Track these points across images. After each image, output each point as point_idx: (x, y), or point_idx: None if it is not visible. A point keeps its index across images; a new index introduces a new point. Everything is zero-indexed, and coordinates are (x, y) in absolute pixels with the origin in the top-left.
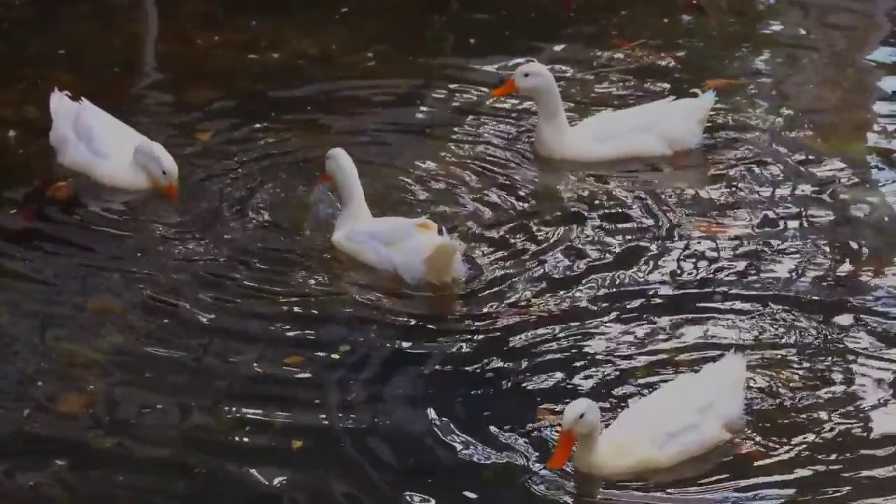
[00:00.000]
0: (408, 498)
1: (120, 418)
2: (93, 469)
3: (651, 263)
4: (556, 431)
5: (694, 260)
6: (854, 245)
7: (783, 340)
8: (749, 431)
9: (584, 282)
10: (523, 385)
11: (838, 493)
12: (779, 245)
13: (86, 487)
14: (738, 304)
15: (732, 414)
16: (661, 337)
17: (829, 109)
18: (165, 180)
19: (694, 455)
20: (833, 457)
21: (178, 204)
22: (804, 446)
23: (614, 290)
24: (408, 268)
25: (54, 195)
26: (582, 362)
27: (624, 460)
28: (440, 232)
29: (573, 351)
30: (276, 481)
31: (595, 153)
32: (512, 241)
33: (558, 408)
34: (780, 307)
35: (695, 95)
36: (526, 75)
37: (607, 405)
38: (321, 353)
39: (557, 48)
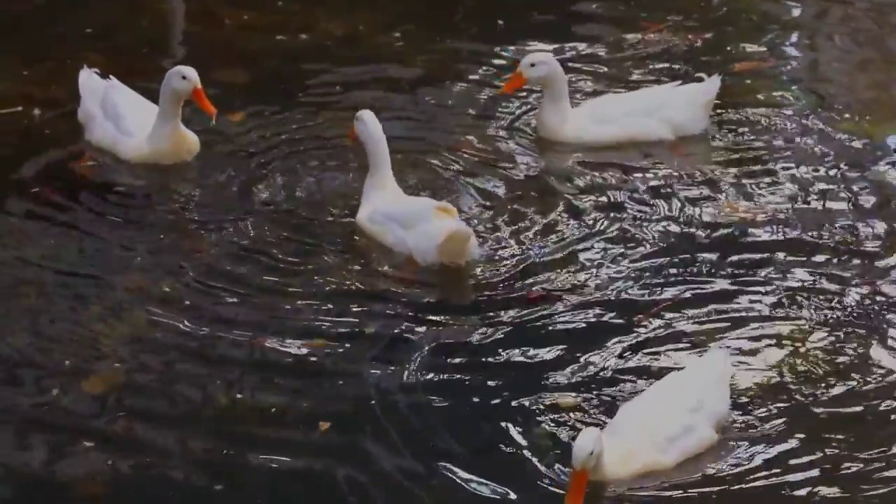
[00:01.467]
0: (430, 481)
1: (146, 399)
2: (118, 450)
3: (674, 244)
4: (567, 474)
5: (721, 240)
6: (883, 227)
7: (810, 322)
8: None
9: (607, 264)
10: (546, 369)
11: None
12: (808, 227)
13: (111, 468)
14: (770, 285)
15: (721, 412)
16: (685, 317)
17: (859, 91)
18: (189, 85)
19: (692, 454)
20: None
21: (203, 176)
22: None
23: (639, 271)
24: (420, 251)
25: (79, 172)
26: (600, 346)
27: (630, 467)
28: (457, 217)
29: (592, 333)
30: (301, 464)
31: (595, 136)
32: (531, 226)
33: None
34: (810, 288)
35: (700, 80)
36: (532, 65)
37: (627, 388)
38: (343, 338)
39: (585, 30)
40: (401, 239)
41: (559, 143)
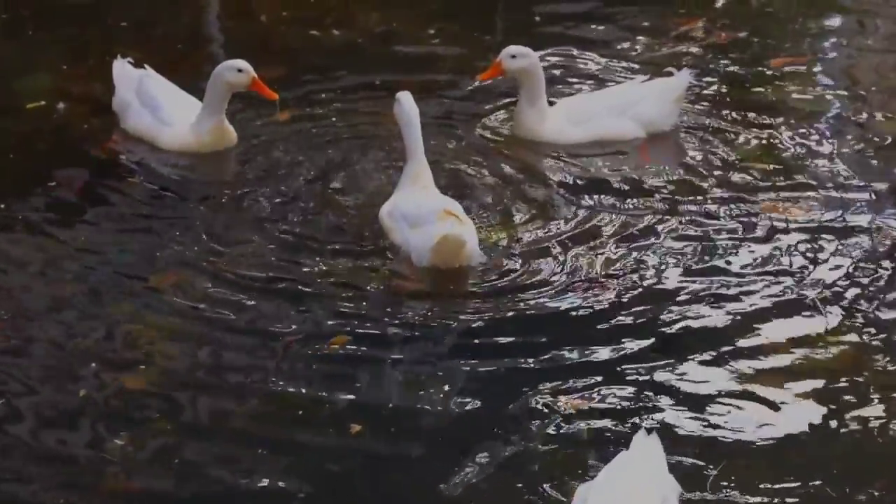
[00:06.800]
0: (464, 481)
1: (182, 395)
2: (155, 446)
3: (696, 242)
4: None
5: (752, 238)
6: None
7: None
8: None
9: (636, 262)
10: (568, 367)
11: None
12: (837, 230)
13: (148, 464)
14: (803, 291)
15: (678, 489)
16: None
17: (892, 87)
18: (246, 77)
19: None
20: None
21: (245, 170)
22: None
23: (674, 270)
24: (417, 252)
25: (104, 152)
26: (613, 343)
27: None
28: (465, 222)
29: (613, 330)
30: (336, 459)
31: (571, 136)
32: (550, 225)
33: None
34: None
35: (670, 74)
36: (513, 56)
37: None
38: (365, 338)
39: (619, 24)
40: (405, 239)
41: (536, 142)
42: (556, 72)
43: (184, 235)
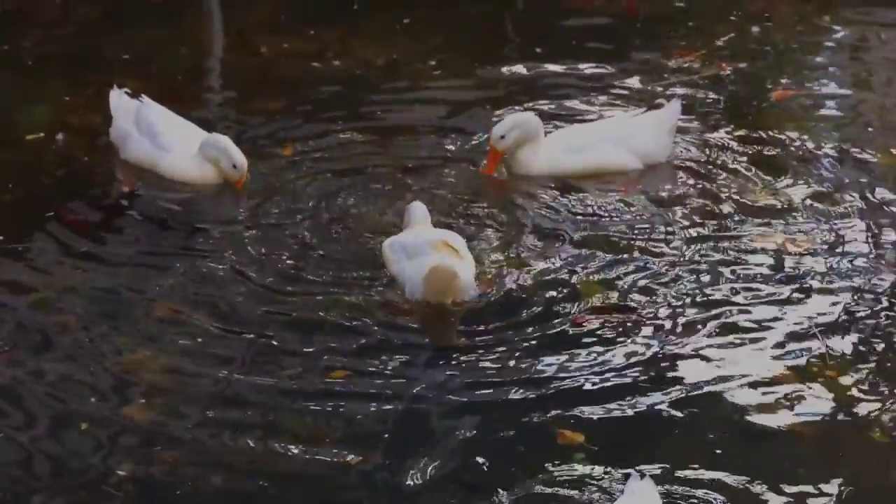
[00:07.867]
0: None
1: (183, 429)
2: (155, 481)
3: (707, 279)
4: None
5: (755, 273)
6: None
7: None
8: None
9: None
10: (562, 400)
11: None
12: (840, 262)
13: (150, 496)
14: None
15: None
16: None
17: (893, 121)
18: (237, 174)
19: None
20: None
21: (246, 205)
22: None
23: (674, 301)
24: (410, 284)
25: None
26: (612, 378)
27: None
28: (463, 255)
29: (606, 368)
30: (336, 495)
31: (565, 166)
32: (559, 259)
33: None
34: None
35: (661, 106)
36: (502, 137)
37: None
38: (362, 370)
39: (621, 57)
40: (402, 270)
41: (530, 176)
42: (551, 97)
43: (181, 270)
